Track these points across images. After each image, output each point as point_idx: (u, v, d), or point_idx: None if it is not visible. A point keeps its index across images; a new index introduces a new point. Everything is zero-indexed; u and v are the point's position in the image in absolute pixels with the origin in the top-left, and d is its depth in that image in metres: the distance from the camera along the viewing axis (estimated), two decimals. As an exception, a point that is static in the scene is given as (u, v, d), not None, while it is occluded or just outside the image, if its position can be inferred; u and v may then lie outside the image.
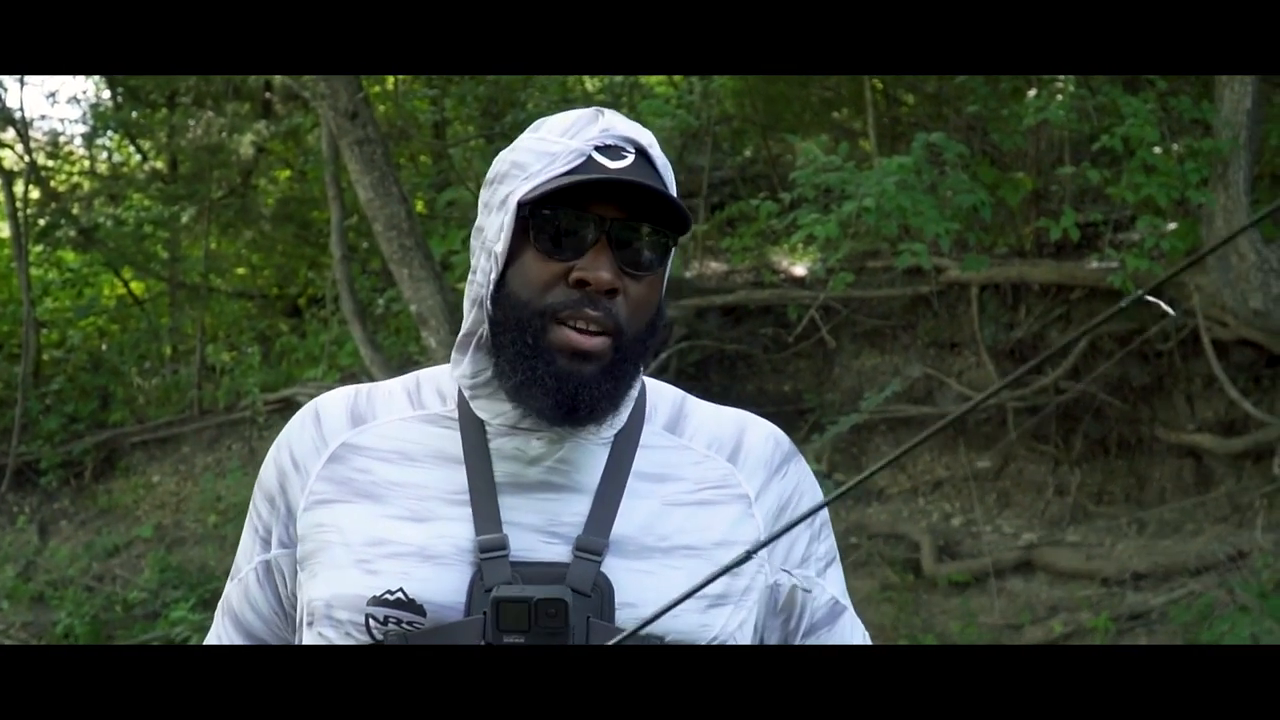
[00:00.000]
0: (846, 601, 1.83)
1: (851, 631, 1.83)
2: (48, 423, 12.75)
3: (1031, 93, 7.92)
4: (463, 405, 1.70)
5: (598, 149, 1.61)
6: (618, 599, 1.62)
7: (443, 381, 1.75)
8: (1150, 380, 8.88)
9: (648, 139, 1.65)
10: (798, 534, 1.77)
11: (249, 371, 12.14)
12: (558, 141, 1.62)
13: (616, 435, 1.70)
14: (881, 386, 9.42)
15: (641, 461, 1.71)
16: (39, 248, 14.24)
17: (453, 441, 1.68)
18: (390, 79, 12.73)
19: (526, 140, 1.66)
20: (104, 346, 14.14)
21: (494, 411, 1.66)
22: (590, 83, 13.73)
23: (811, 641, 1.79)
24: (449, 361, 1.73)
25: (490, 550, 1.61)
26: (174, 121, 13.76)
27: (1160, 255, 7.50)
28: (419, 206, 11.08)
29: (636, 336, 1.64)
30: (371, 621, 1.61)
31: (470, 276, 1.68)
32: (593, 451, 1.68)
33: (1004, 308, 9.37)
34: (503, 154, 1.68)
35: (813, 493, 1.81)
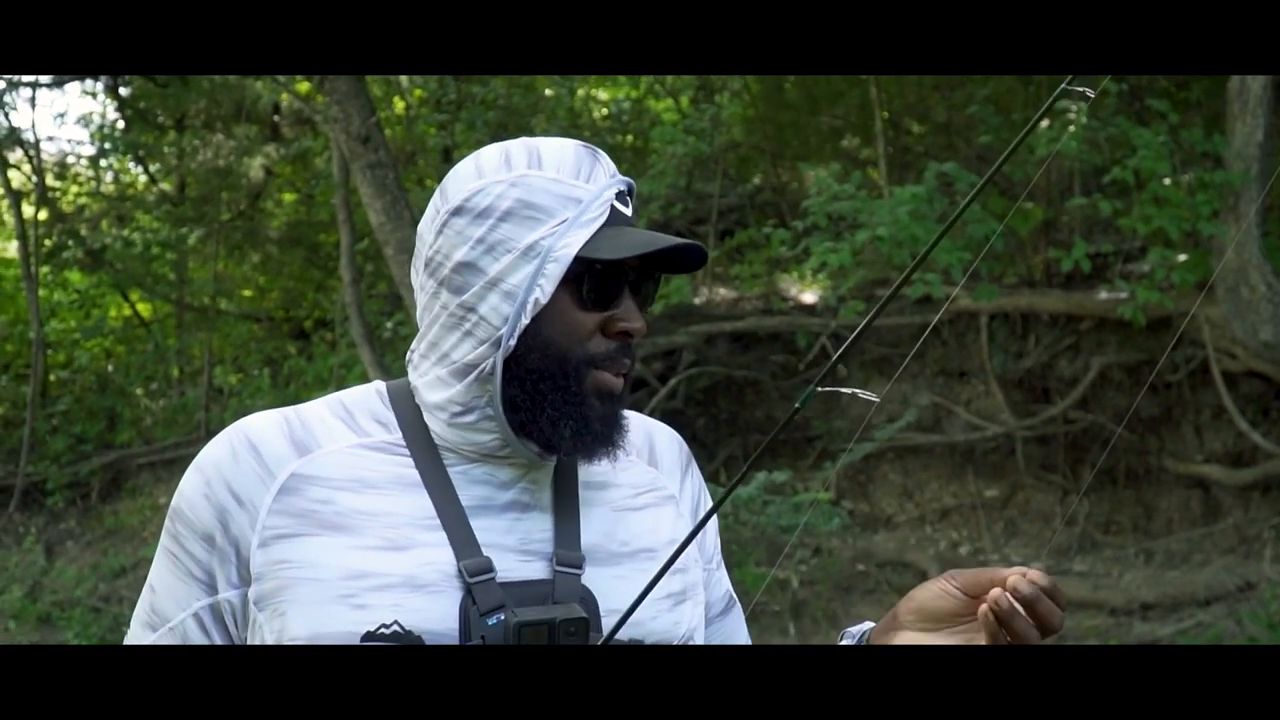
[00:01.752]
0: (734, 592, 1.92)
1: (740, 624, 1.92)
2: (55, 443, 12.76)
3: (1044, 124, 7.96)
4: (408, 432, 1.68)
5: (616, 196, 1.64)
6: (602, 608, 1.64)
7: (375, 408, 1.70)
8: (1159, 411, 8.90)
9: (632, 181, 1.72)
10: (708, 529, 1.87)
11: (256, 394, 12.15)
12: (578, 186, 1.62)
13: None
14: (890, 415, 9.44)
15: (583, 472, 1.74)
16: (46, 268, 14.26)
17: (407, 468, 1.65)
18: (400, 103, 12.79)
19: (535, 179, 1.62)
20: (111, 368, 14.18)
21: (468, 439, 1.65)
22: (597, 111, 13.80)
23: (710, 630, 1.86)
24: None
25: (478, 574, 1.59)
26: (183, 144, 13.81)
27: (1170, 287, 7.53)
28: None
29: (633, 370, 1.71)
30: None
31: (454, 307, 1.63)
32: (547, 469, 1.70)
33: (1013, 337, 9.39)
34: (490, 184, 1.63)
35: (704, 488, 1.92)
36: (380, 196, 9.03)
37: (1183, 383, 8.70)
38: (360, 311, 10.45)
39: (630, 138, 12.91)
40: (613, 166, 1.67)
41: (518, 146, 1.66)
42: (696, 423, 9.76)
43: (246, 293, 14.64)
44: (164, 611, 1.66)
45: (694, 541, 1.75)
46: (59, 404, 13.24)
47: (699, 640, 1.76)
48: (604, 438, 1.64)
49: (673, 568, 1.67)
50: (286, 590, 1.58)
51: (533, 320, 1.60)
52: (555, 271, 1.59)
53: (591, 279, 1.61)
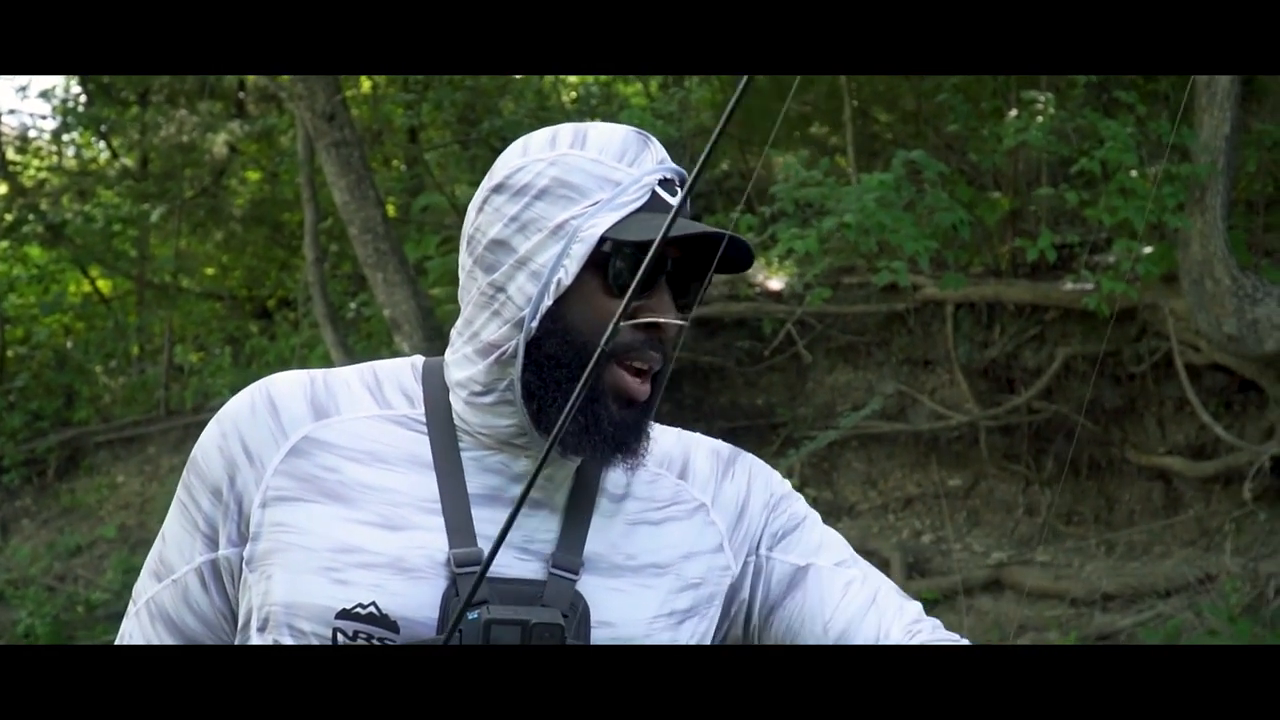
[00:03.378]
0: (820, 559, 1.76)
1: (818, 586, 1.74)
2: (11, 420, 12.65)
3: (1012, 113, 7.95)
4: (431, 409, 1.65)
5: (660, 182, 1.58)
6: (594, 618, 1.61)
7: (405, 380, 1.69)
8: (1122, 402, 8.91)
9: (684, 171, 1.63)
10: (753, 518, 1.76)
11: (218, 373, 12.06)
12: (618, 169, 1.57)
13: None
14: (855, 403, 9.44)
15: (606, 480, 1.69)
16: (4, 243, 14.12)
17: (422, 446, 1.63)
18: (366, 82, 12.69)
19: (574, 158, 1.57)
20: (70, 344, 14.06)
21: (485, 422, 1.62)
22: (566, 94, 13.72)
23: (775, 618, 1.75)
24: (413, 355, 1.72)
25: (465, 565, 1.56)
26: (146, 119, 13.68)
27: (1136, 278, 7.53)
28: (390, 211, 11.03)
29: (664, 370, 1.63)
30: (339, 636, 1.55)
31: (484, 285, 1.61)
32: (566, 469, 1.65)
33: (978, 326, 9.39)
34: (531, 161, 1.60)
35: (764, 477, 1.80)
36: (345, 175, 8.95)
37: (1146, 374, 8.72)
38: (323, 291, 10.38)
39: (598, 121, 12.85)
40: (664, 154, 1.61)
41: (568, 127, 1.62)
42: (661, 408, 9.67)
43: (209, 271, 14.53)
44: (170, 562, 1.67)
45: (724, 542, 1.74)
46: (16, 380, 13.12)
47: None
48: (615, 442, 1.58)
49: (686, 582, 1.69)
50: (276, 554, 1.57)
51: (557, 304, 1.56)
52: (580, 252, 1.55)
53: (620, 267, 1.55)
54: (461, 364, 1.64)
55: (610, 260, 1.55)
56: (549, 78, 13.22)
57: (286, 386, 1.65)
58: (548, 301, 1.56)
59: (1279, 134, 7.82)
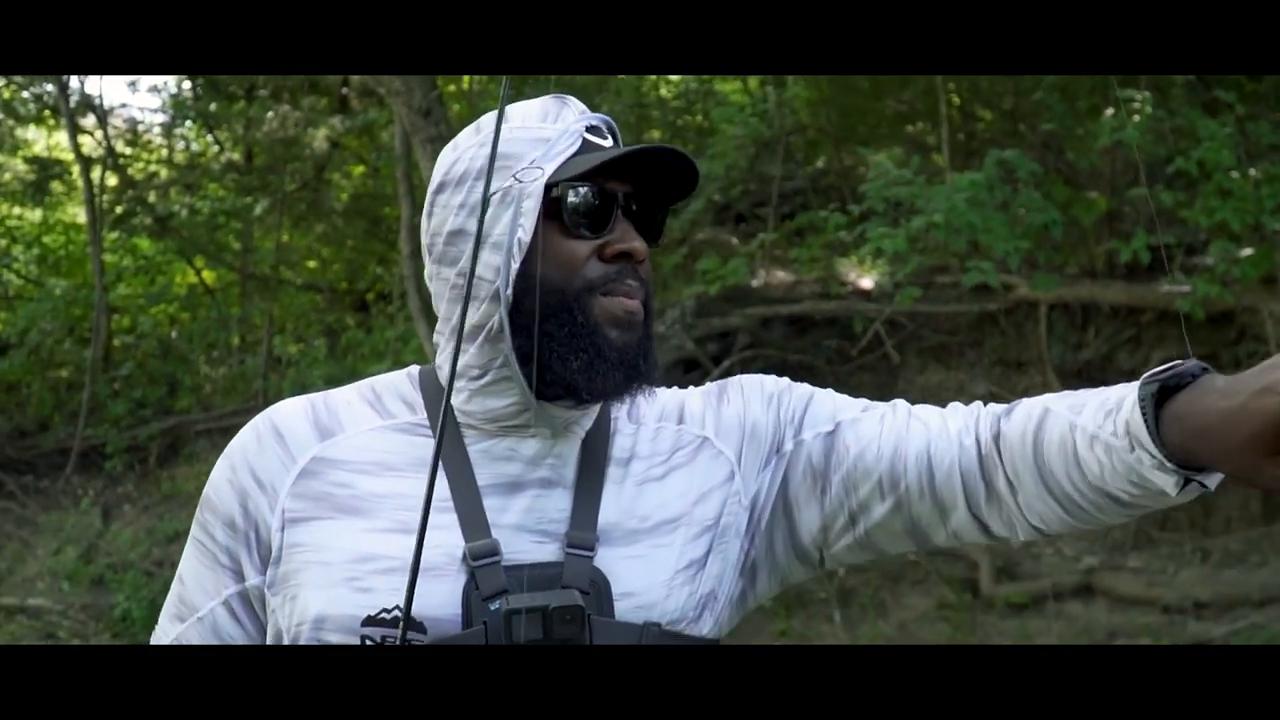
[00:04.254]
0: (843, 415, 1.73)
1: (849, 439, 1.71)
2: (115, 407, 12.90)
3: (1108, 112, 7.83)
4: (433, 412, 1.67)
5: (587, 130, 1.63)
6: (615, 590, 1.61)
7: (403, 389, 1.71)
8: (1221, 407, 8.74)
9: (610, 119, 1.68)
10: (762, 426, 1.74)
11: (314, 365, 12.21)
12: (544, 127, 1.61)
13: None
14: (946, 404, 9.34)
15: (612, 447, 1.70)
16: (114, 234, 14.41)
17: (429, 449, 1.63)
18: (465, 79, 12.79)
19: (502, 133, 1.59)
20: (174, 334, 14.30)
21: (487, 408, 1.63)
22: (665, 89, 13.74)
23: (830, 486, 1.71)
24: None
25: (482, 557, 1.57)
26: (251, 114, 13.89)
27: (1233, 280, 7.39)
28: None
29: (651, 298, 1.66)
30: (367, 643, 1.56)
31: (455, 278, 1.63)
32: (573, 442, 1.67)
33: (1073, 328, 9.27)
34: (463, 151, 1.64)
35: (755, 384, 1.79)
36: (440, 170, 9.02)
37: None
38: (418, 285, 10.47)
39: (700, 118, 12.84)
40: (583, 107, 1.65)
41: (488, 113, 1.64)
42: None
43: (310, 263, 14.72)
44: (192, 602, 1.67)
45: (735, 469, 1.73)
46: (122, 369, 13.38)
47: (723, 591, 1.70)
48: (623, 367, 1.59)
49: (701, 527, 1.69)
50: (298, 574, 1.59)
51: (525, 263, 1.58)
52: (531, 206, 1.57)
53: (573, 204, 1.59)
54: (452, 358, 1.63)
55: (562, 202, 1.58)
56: (651, 77, 13.27)
57: (289, 413, 1.68)
58: (515, 264, 1.57)
59: (1383, 134, 7.64)
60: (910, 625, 8.40)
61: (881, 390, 9.93)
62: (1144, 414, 1.41)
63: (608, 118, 1.66)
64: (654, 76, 13.63)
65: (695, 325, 9.70)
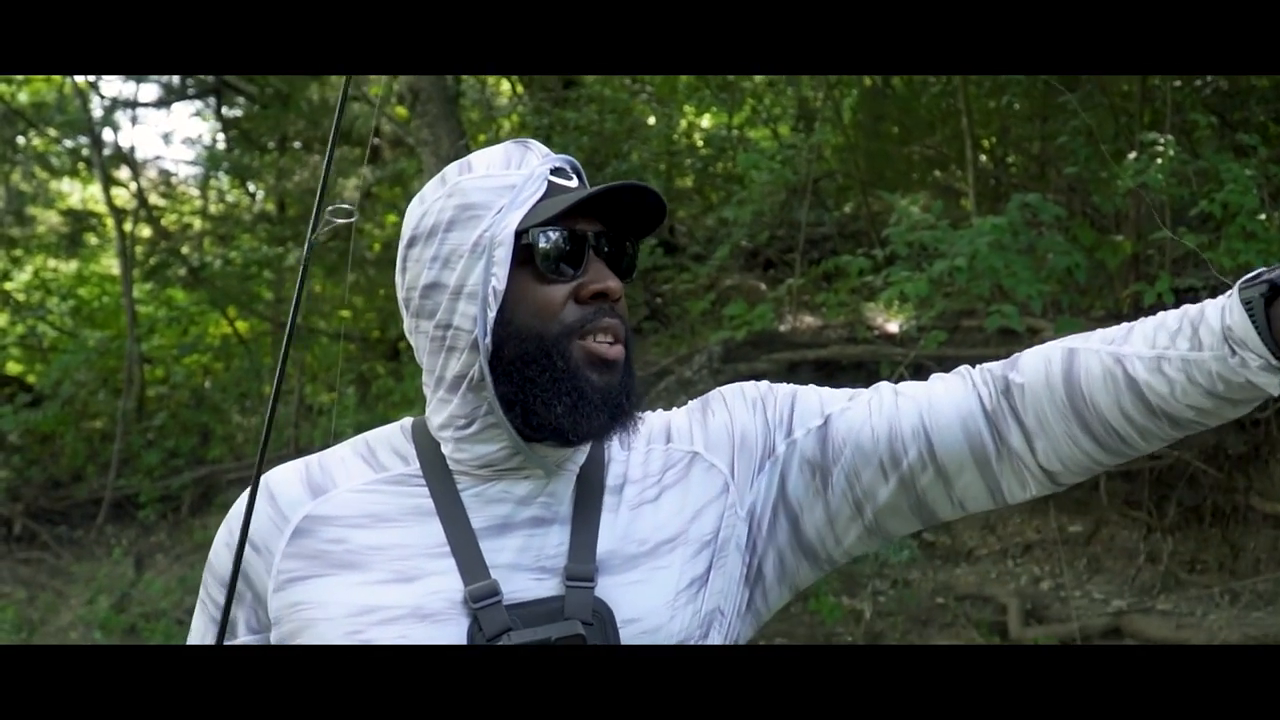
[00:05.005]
0: (830, 408, 1.76)
1: (847, 419, 1.74)
2: (148, 457, 12.97)
3: (1131, 155, 7.85)
4: (425, 462, 1.69)
5: (552, 172, 1.66)
6: (619, 617, 1.62)
7: (396, 442, 1.74)
8: (1246, 448, 8.72)
9: (574, 159, 1.71)
10: (751, 433, 1.77)
11: (344, 413, 12.25)
12: (509, 174, 1.64)
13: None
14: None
15: (606, 476, 1.73)
16: (148, 285, 14.53)
17: (423, 498, 1.67)
18: (503, 126, 12.89)
19: (467, 182, 1.64)
20: (207, 384, 14.38)
21: (477, 454, 1.66)
22: (698, 136, 13.82)
23: (831, 479, 1.73)
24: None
25: (483, 599, 1.59)
26: (281, 164, 14.02)
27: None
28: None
29: (630, 333, 1.69)
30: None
31: (432, 330, 1.66)
32: (567, 479, 1.69)
33: (1099, 371, 9.25)
34: (430, 205, 1.67)
35: (737, 392, 1.82)
36: (468, 219, 9.10)
37: (1271, 420, 8.52)
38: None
39: (731, 165, 12.91)
40: (545, 150, 1.68)
41: (453, 165, 1.69)
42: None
43: (345, 314, 14.83)
44: None
45: (728, 480, 1.75)
46: (154, 419, 13.46)
47: (729, 606, 1.71)
48: (607, 408, 1.62)
49: (700, 544, 1.71)
50: (299, 634, 1.62)
51: (502, 311, 1.61)
52: (503, 255, 1.60)
53: (544, 249, 1.61)
54: (438, 408, 1.69)
55: (533, 248, 1.61)
56: (683, 124, 13.33)
57: (282, 475, 1.72)
58: (491, 313, 1.60)
59: (1404, 176, 7.63)
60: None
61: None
62: (1251, 315, 1.46)
63: (570, 158, 1.70)
64: (685, 125, 13.74)
65: (722, 371, 9.72)
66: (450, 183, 1.67)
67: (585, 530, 1.67)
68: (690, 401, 1.87)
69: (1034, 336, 8.85)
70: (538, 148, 1.69)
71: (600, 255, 1.65)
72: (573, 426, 1.61)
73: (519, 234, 1.61)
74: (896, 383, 1.77)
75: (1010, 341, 9.00)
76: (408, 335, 1.72)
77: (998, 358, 7.11)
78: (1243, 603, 8.32)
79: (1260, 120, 8.62)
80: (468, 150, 9.36)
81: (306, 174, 13.61)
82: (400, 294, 1.72)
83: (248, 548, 1.66)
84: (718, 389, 1.86)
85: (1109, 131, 8.94)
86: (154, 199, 15.27)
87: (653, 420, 1.82)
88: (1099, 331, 1.66)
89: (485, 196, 1.63)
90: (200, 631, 1.74)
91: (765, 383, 1.85)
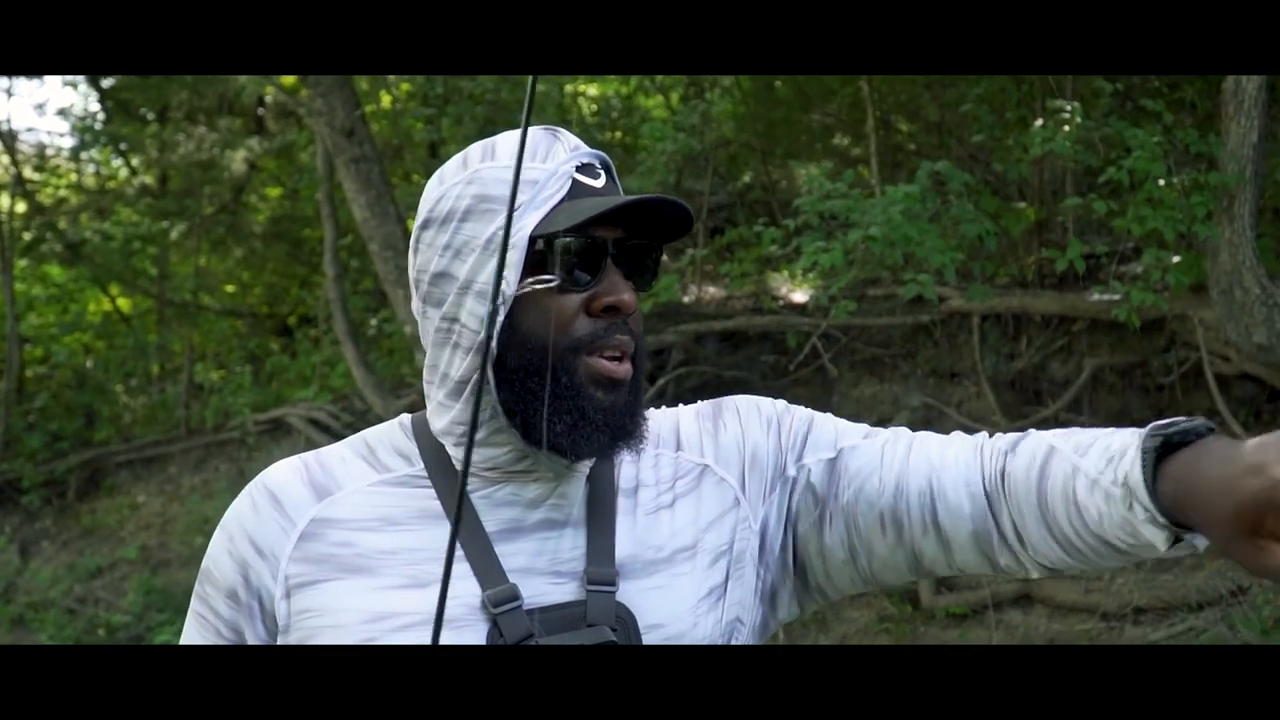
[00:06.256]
0: (845, 441, 1.70)
1: (854, 463, 1.68)
2: (30, 441, 12.63)
3: (1038, 123, 7.88)
4: (430, 462, 1.63)
5: (577, 169, 1.56)
6: (642, 624, 1.58)
7: (397, 441, 1.67)
8: (1151, 413, 8.82)
9: (604, 154, 1.61)
10: (762, 451, 1.71)
11: (238, 391, 12.02)
12: (532, 168, 1.54)
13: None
14: (881, 416, 9.36)
15: (619, 479, 1.67)
16: (24, 262, 14.12)
17: (430, 500, 1.60)
18: (386, 97, 12.68)
19: (489, 170, 1.55)
20: (89, 364, 14.04)
21: (484, 458, 1.59)
22: (586, 107, 13.70)
23: (830, 514, 1.68)
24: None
25: (502, 603, 1.53)
26: (165, 136, 13.68)
27: (1164, 288, 7.45)
28: (409, 226, 11.01)
29: (641, 347, 1.61)
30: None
31: (439, 320, 1.58)
32: (578, 481, 1.63)
33: (1005, 338, 9.31)
34: (449, 188, 1.58)
35: (753, 408, 1.76)
36: (365, 191, 8.93)
37: (1175, 385, 8.63)
38: (344, 308, 10.36)
39: (619, 134, 12.82)
40: (576, 142, 1.58)
41: (477, 145, 1.60)
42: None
43: (229, 288, 14.52)
44: None
45: (739, 495, 1.69)
46: (36, 400, 13.10)
47: (747, 618, 1.67)
48: (609, 429, 1.54)
49: (715, 553, 1.65)
50: (312, 640, 1.54)
51: (510, 315, 1.52)
52: (516, 258, 1.51)
53: (559, 257, 1.52)
54: (438, 412, 1.62)
55: (546, 257, 1.52)
56: (568, 90, 13.22)
57: (282, 476, 1.63)
58: (500, 317, 1.52)
59: (1309, 141, 7.74)
60: (851, 639, 8.38)
61: (817, 404, 9.90)
62: (1144, 467, 1.39)
63: (601, 154, 1.60)
64: (572, 93, 13.61)
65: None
66: (471, 168, 1.58)
67: (601, 533, 1.62)
68: (699, 404, 1.79)
69: (942, 304, 8.89)
70: (567, 139, 1.59)
71: (618, 265, 1.56)
72: (571, 446, 1.54)
73: (534, 238, 1.52)
74: (875, 425, 1.70)
75: (917, 310, 9.04)
76: (415, 315, 1.64)
77: (905, 326, 7.09)
78: (1148, 566, 8.42)
79: (1155, 85, 8.69)
80: (363, 121, 9.16)
81: (192, 146, 13.27)
82: (411, 273, 1.63)
83: (250, 553, 1.58)
84: (731, 399, 1.79)
85: (1012, 98, 8.97)
86: (28, 173, 14.81)
87: (659, 421, 1.75)
88: (1087, 431, 1.58)
89: (503, 190, 1.54)
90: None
91: (782, 402, 1.78)
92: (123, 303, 14.48)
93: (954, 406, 9.47)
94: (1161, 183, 7.17)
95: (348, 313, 10.40)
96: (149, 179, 14.85)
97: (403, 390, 10.59)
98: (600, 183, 1.57)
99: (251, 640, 1.59)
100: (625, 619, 1.57)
